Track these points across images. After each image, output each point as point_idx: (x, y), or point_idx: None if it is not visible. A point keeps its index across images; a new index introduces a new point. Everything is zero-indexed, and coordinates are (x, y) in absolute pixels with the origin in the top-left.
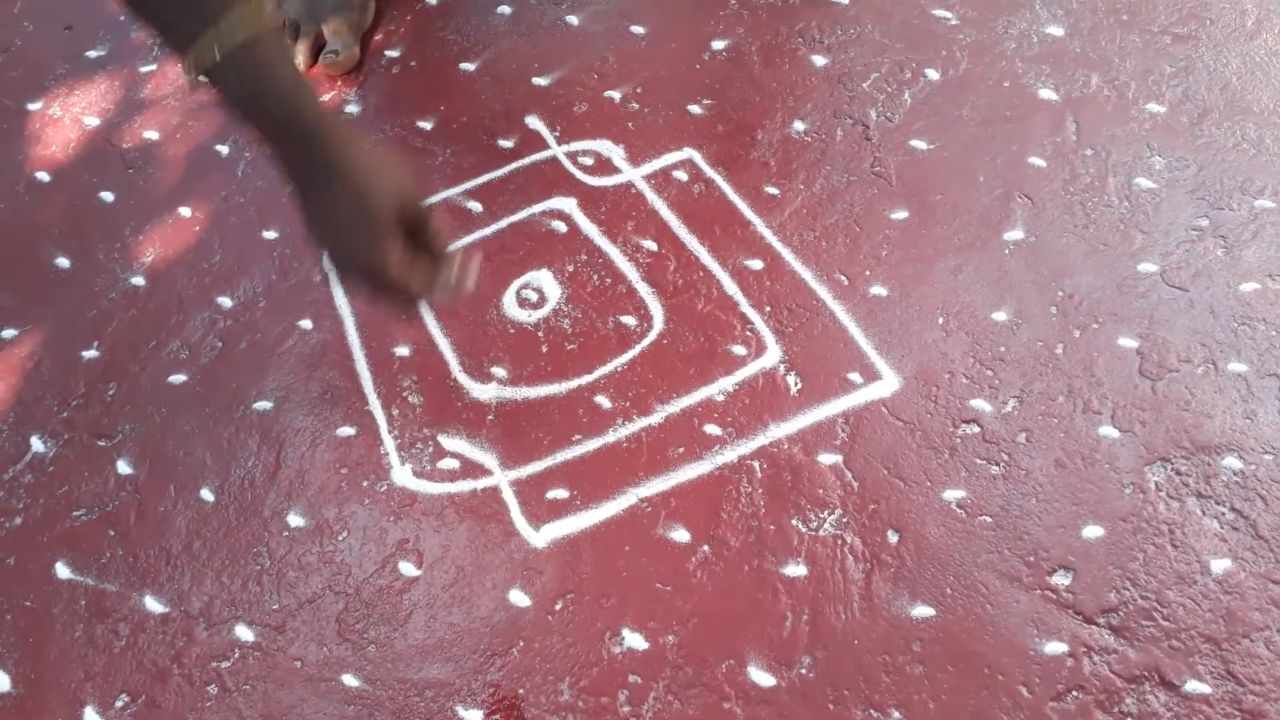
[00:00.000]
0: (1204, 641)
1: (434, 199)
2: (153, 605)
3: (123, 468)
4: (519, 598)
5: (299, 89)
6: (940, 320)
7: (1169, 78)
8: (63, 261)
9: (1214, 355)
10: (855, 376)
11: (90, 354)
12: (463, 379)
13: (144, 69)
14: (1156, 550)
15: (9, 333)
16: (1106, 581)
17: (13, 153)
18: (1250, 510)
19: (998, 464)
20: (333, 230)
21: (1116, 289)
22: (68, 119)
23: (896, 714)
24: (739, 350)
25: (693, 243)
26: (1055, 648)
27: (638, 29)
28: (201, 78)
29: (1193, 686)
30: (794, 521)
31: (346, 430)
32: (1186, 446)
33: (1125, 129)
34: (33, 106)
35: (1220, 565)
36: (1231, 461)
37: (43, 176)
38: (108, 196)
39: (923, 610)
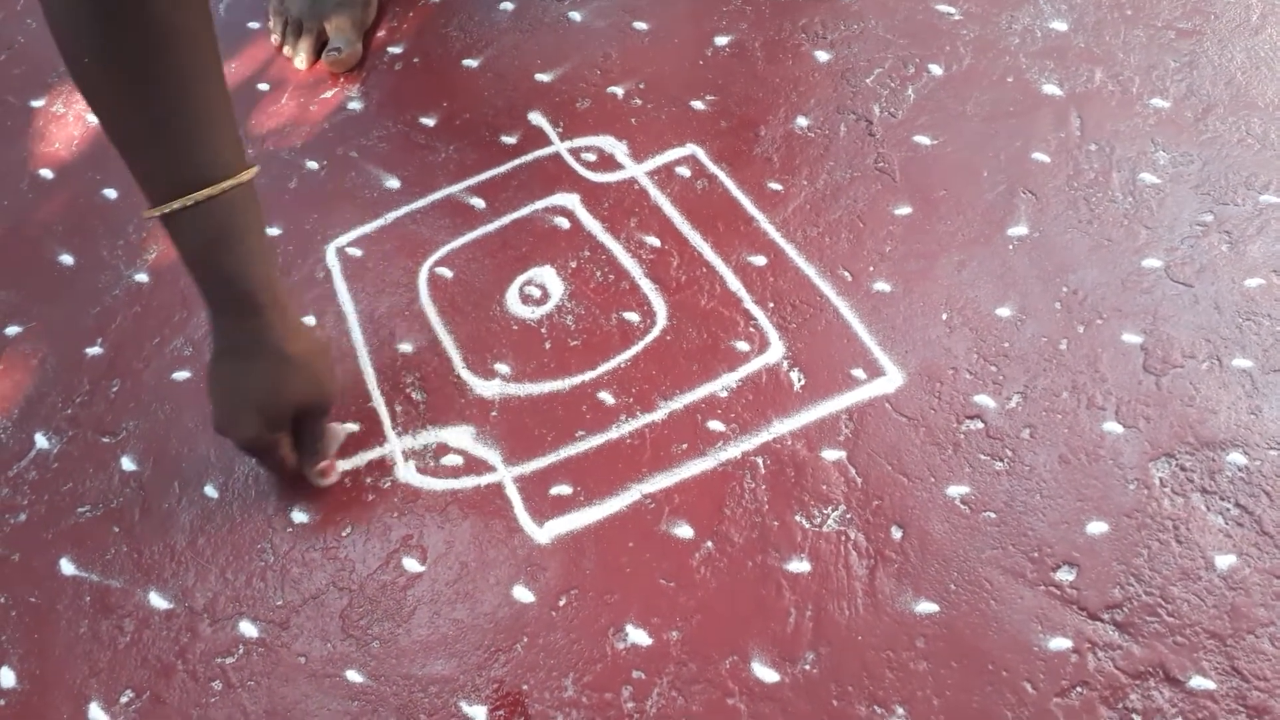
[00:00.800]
0: (1209, 637)
1: (436, 195)
2: (157, 601)
3: (127, 464)
4: (523, 594)
5: (260, 254)
6: (944, 316)
7: (1173, 73)
8: (66, 259)
9: (1218, 351)
10: (859, 372)
11: (94, 351)
12: (466, 375)
13: None
14: (1161, 546)
15: (13, 330)
16: (1111, 577)
17: (16, 150)
18: (1255, 506)
19: (1001, 460)
20: (231, 399)
21: (1121, 285)
22: (71, 116)
23: (900, 710)
24: (742, 346)
25: (696, 239)
26: (1059, 644)
27: (640, 25)
28: (156, 215)
29: (1197, 682)
30: (797, 517)
31: (350, 426)
32: (1191, 442)
33: (1129, 124)
34: (36, 104)
35: (1225, 561)
36: (1236, 457)
37: (46, 174)
38: (111, 193)
39: (926, 606)
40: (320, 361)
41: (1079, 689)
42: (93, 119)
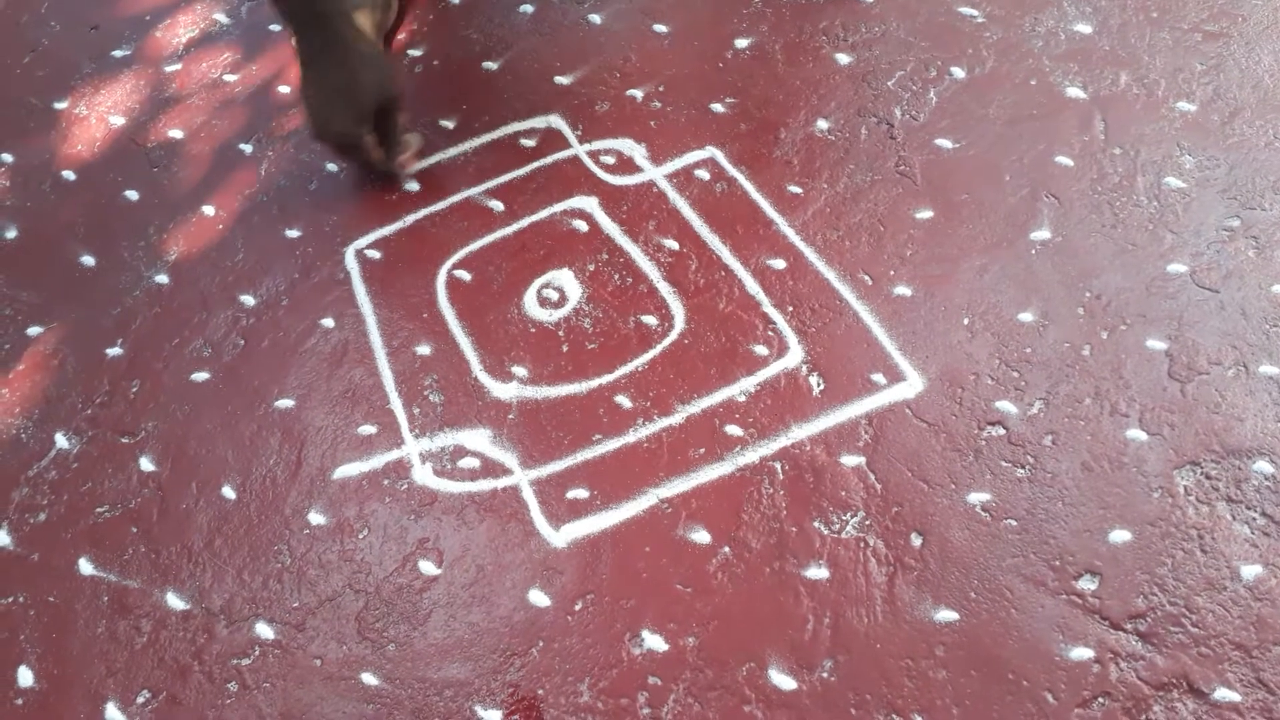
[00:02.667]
0: (1234, 648)
1: (455, 198)
2: (174, 602)
3: (146, 465)
4: (539, 598)
5: None
6: (965, 321)
7: (1199, 75)
8: (87, 259)
9: (1245, 358)
10: (879, 377)
11: (114, 352)
12: (483, 378)
13: (169, 68)
14: (1185, 555)
15: (34, 330)
16: (1134, 587)
17: (39, 151)
18: None
19: (1023, 467)
20: (323, 101)
21: (1145, 290)
22: (93, 118)
23: (919, 719)
24: (761, 350)
25: (714, 242)
26: (1081, 653)
27: (660, 28)
28: None
29: (1222, 694)
30: (816, 523)
31: (368, 429)
32: (1216, 450)
33: (1155, 127)
34: (59, 105)
35: (1251, 571)
36: (1263, 466)
37: (68, 175)
38: (132, 195)
39: (946, 614)
40: (387, 59)
41: (1101, 699)
42: (115, 120)
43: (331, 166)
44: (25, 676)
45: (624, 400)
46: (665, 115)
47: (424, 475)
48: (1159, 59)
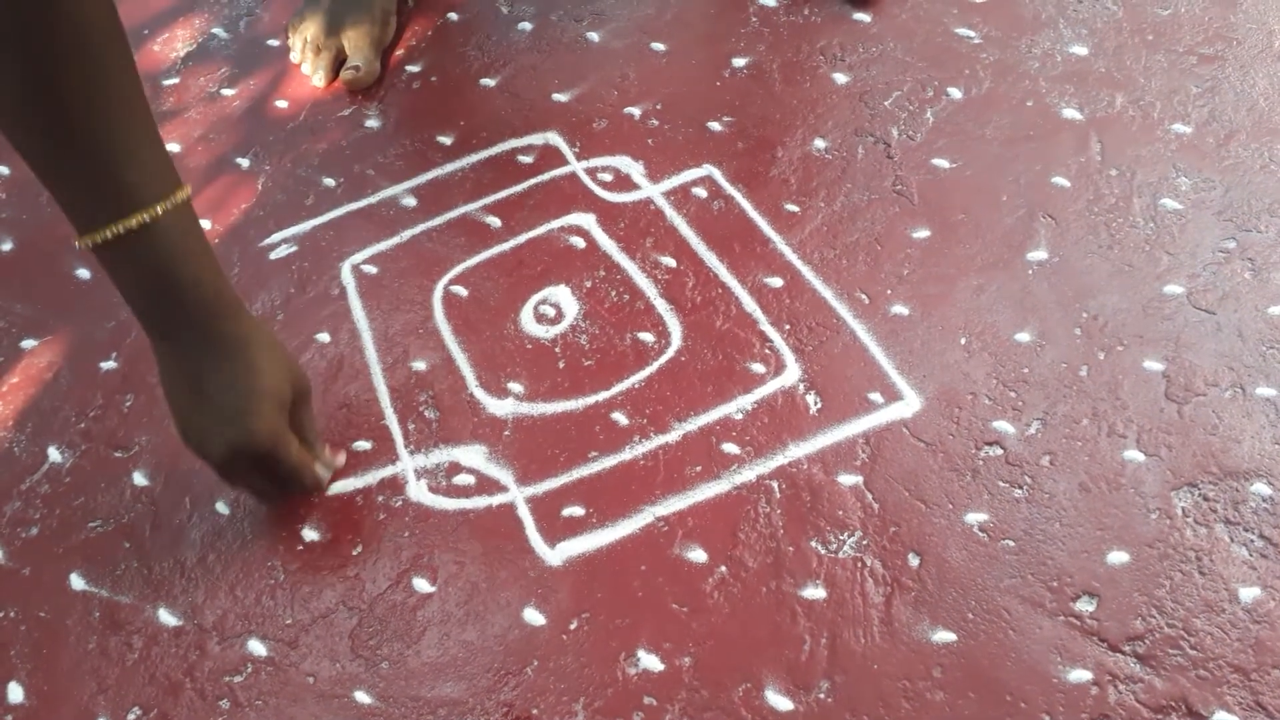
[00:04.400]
0: (1232, 671)
1: (452, 214)
2: (166, 618)
3: (139, 479)
4: (533, 616)
5: (207, 264)
6: (962, 340)
7: (1195, 98)
8: (83, 273)
9: (1242, 379)
10: (876, 396)
11: (108, 365)
12: (479, 394)
13: (166, 82)
14: (1183, 577)
15: (28, 343)
16: (1132, 609)
17: None
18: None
19: (1021, 487)
20: (240, 399)
21: (1142, 311)
22: None
23: None
24: (758, 368)
25: (712, 259)
26: (1079, 676)
27: (658, 46)
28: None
29: (1220, 717)
30: (813, 543)
31: (362, 444)
32: (1214, 472)
33: (1151, 149)
34: None
35: (1249, 593)
36: (1260, 488)
37: None
38: None
39: (944, 635)
40: (279, 345)
41: None
42: None
43: (329, 181)
44: (15, 693)
45: (620, 417)
46: (663, 133)
47: (419, 492)
48: (1154, 81)
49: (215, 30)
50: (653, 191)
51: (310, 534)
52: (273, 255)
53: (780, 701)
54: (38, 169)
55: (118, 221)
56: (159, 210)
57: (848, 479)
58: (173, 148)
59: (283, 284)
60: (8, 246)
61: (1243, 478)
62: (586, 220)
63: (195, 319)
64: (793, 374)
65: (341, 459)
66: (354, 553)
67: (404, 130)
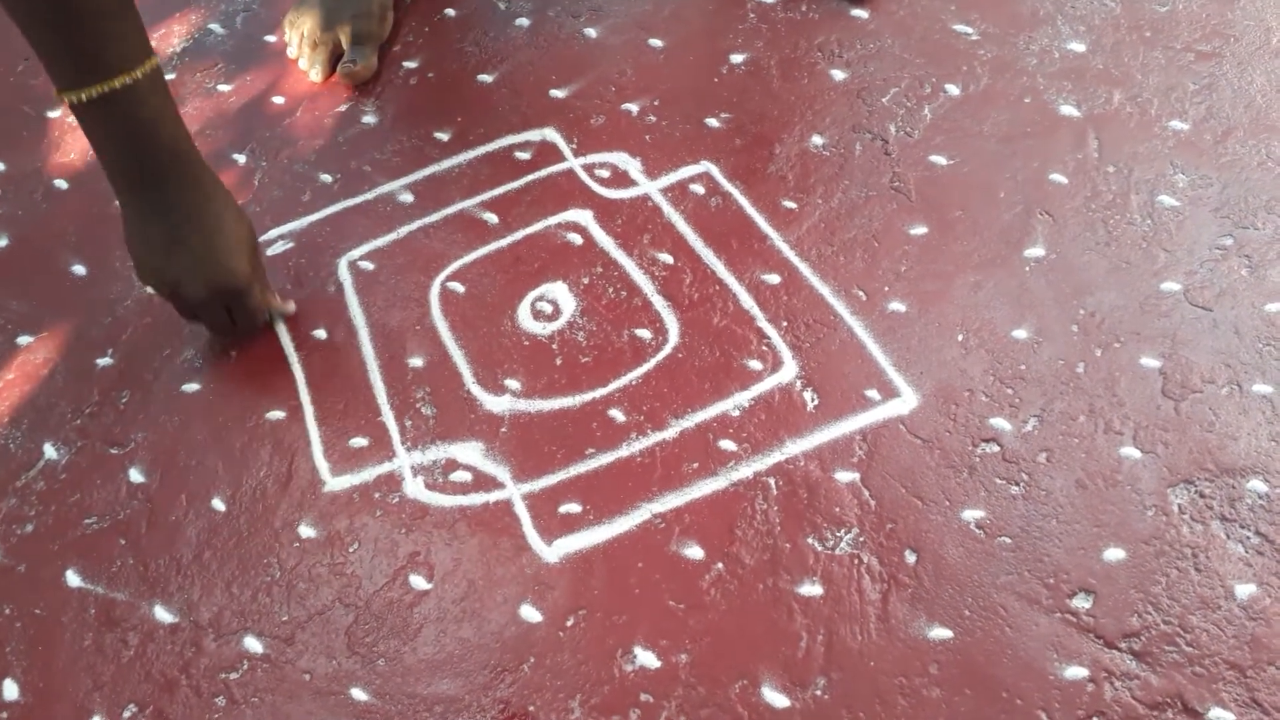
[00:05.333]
0: (1228, 668)
1: (449, 210)
2: (162, 615)
3: (135, 476)
4: (530, 613)
5: (180, 125)
6: (960, 337)
7: (1192, 95)
8: (79, 269)
9: (1238, 376)
10: (873, 393)
11: (104, 361)
12: (476, 391)
13: None
14: (1180, 574)
15: (24, 339)
16: (1128, 605)
17: (31, 160)
18: (1276, 534)
19: (1017, 484)
20: (214, 250)
21: (1139, 308)
22: None
23: None
24: (755, 365)
25: (709, 256)
26: (1076, 672)
27: (656, 42)
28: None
29: (1216, 714)
30: (810, 540)
31: (359, 441)
32: (1210, 469)
33: (1148, 146)
34: (52, 114)
35: (1245, 590)
36: (1256, 484)
37: (60, 184)
38: None
39: (940, 632)
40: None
41: (1095, 719)
42: None
43: (325, 177)
44: (10, 690)
45: (617, 414)
46: (660, 129)
47: (415, 488)
48: (1152, 78)
49: (212, 25)
50: (650, 188)
51: (307, 530)
52: (270, 251)
53: (777, 698)
54: (27, 30)
55: (103, 82)
56: (139, 74)
57: (845, 476)
58: None
59: (279, 280)
60: (3, 243)
61: (1239, 474)
62: (584, 217)
63: (172, 173)
64: (790, 371)
65: (291, 307)
66: (350, 549)
67: (401, 126)
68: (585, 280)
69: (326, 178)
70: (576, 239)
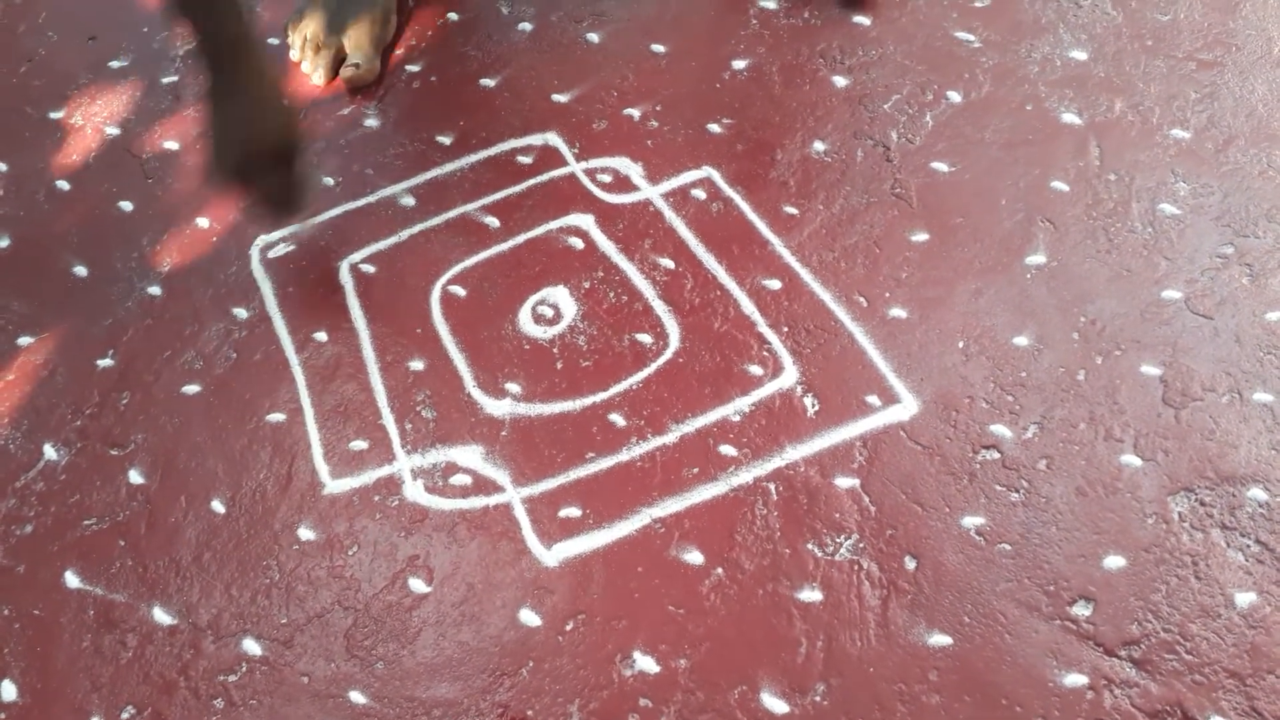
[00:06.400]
0: (1228, 676)
1: (451, 214)
2: (161, 617)
3: (134, 477)
4: (529, 617)
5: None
6: (960, 344)
7: (1194, 103)
8: (80, 270)
9: (1239, 384)
10: (873, 399)
11: (105, 363)
12: (477, 394)
13: (165, 80)
14: (1179, 582)
15: (25, 340)
16: (1128, 613)
17: (34, 161)
18: (1276, 543)
19: (1018, 491)
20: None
21: (1140, 315)
22: (89, 128)
23: None
24: (756, 370)
25: (710, 261)
26: (1075, 680)
27: (658, 47)
28: None
29: None
30: (810, 546)
31: (359, 444)
32: (1210, 477)
33: (1149, 154)
34: (55, 115)
35: (1245, 599)
36: (1257, 493)
37: (63, 185)
38: (126, 206)
39: (940, 639)
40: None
41: None
42: (111, 131)
43: (328, 180)
44: (9, 691)
45: (618, 419)
46: (662, 134)
47: (415, 492)
48: (1154, 86)
49: None
50: (652, 193)
51: (306, 533)
52: (272, 254)
53: (776, 704)
54: None
55: None
56: None
57: (845, 481)
58: (171, 145)
59: (281, 283)
60: (4, 244)
61: (1239, 483)
62: (585, 221)
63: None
64: (790, 376)
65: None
66: (350, 552)
67: (403, 130)
68: (586, 284)
69: (328, 180)
70: (578, 243)
